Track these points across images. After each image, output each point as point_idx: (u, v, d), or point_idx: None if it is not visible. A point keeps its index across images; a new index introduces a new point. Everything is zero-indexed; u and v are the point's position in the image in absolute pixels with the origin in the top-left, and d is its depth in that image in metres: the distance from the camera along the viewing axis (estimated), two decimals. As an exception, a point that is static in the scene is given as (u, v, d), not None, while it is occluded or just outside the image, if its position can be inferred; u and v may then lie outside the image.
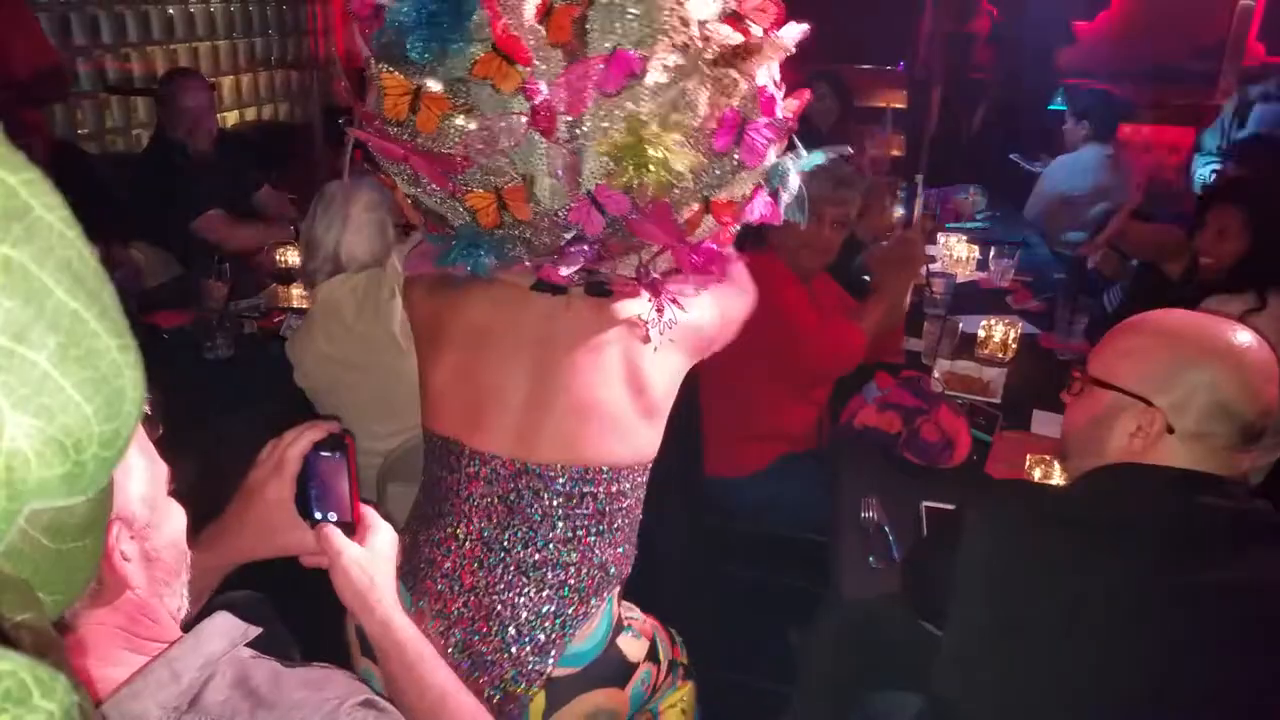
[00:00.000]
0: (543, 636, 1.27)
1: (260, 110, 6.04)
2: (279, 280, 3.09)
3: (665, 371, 1.32)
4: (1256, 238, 2.37)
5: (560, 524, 1.28)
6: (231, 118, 5.69)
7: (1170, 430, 1.16)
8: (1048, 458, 1.98)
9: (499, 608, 1.27)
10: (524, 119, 1.09)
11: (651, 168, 1.09)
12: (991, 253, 3.46)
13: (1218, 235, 2.43)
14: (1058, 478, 1.86)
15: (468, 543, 1.29)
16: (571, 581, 1.29)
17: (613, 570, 1.33)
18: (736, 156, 1.18)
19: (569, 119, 1.09)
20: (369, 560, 1.01)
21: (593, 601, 1.30)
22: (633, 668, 1.36)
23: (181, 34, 5.26)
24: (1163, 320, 1.25)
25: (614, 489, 1.30)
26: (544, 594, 1.28)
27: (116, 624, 0.78)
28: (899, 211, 3.20)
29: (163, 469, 0.86)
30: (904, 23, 6.40)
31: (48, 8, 4.32)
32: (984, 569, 1.18)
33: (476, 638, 1.27)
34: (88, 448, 0.31)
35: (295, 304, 2.91)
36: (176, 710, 0.75)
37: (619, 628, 1.36)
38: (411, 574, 1.32)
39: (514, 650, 1.27)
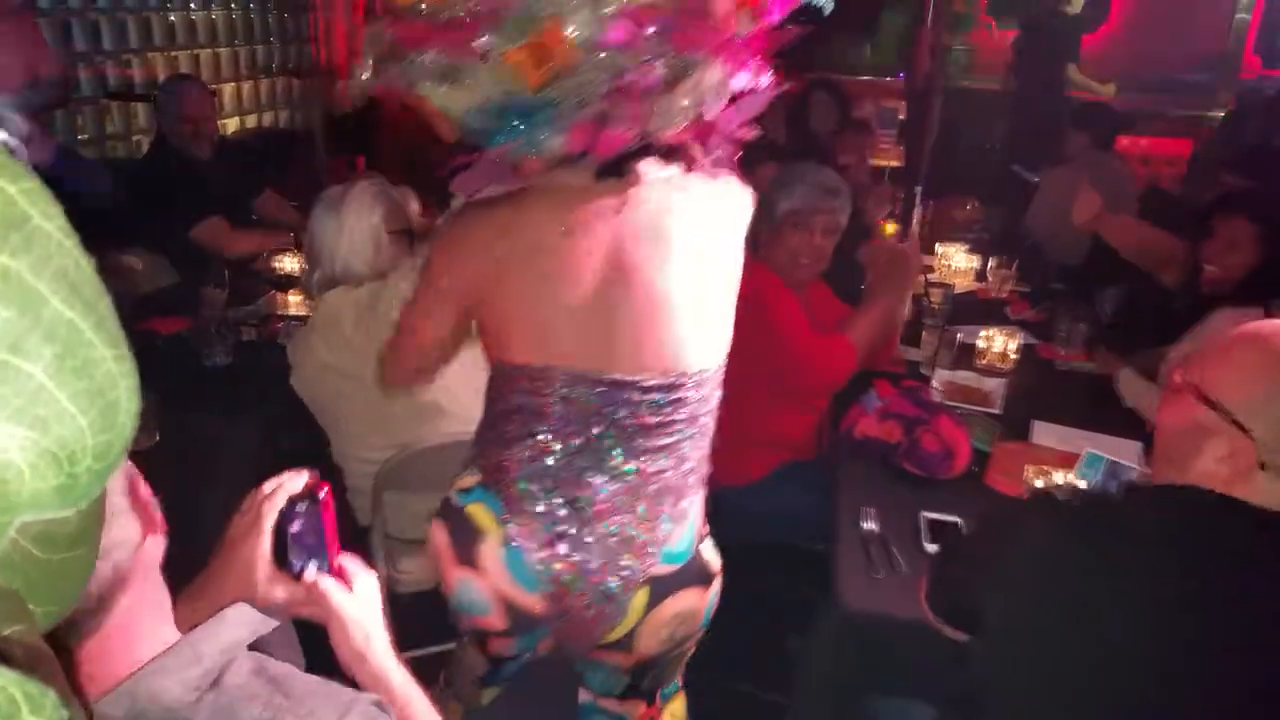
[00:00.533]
0: (645, 537, 1.33)
1: (261, 117, 6.04)
2: (278, 287, 3.09)
3: (735, 252, 1.36)
4: (1267, 250, 2.36)
5: (657, 431, 1.31)
6: (232, 124, 5.69)
7: (1263, 466, 1.04)
8: (1047, 469, 1.98)
9: (602, 517, 1.31)
10: None
11: None
12: (990, 263, 3.46)
13: (1227, 246, 2.43)
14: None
15: (564, 457, 1.31)
16: (670, 484, 1.34)
17: (700, 471, 1.39)
18: None
19: None
20: (363, 613, 1.01)
21: (684, 503, 1.37)
22: (713, 575, 1.45)
23: (183, 40, 5.26)
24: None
25: (703, 392, 1.35)
26: (643, 498, 1.32)
27: (141, 605, 0.80)
28: (890, 226, 3.19)
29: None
30: (905, 33, 6.41)
31: (49, 14, 4.33)
32: (1038, 573, 1.11)
33: (580, 550, 1.31)
34: (82, 460, 0.31)
35: (294, 311, 2.90)
36: (198, 689, 0.78)
37: (701, 535, 1.43)
38: (500, 496, 1.33)
39: (619, 554, 1.32)
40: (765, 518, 2.37)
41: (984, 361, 2.68)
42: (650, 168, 1.28)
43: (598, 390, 1.29)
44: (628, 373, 1.29)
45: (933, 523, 1.84)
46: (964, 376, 2.59)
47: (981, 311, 3.15)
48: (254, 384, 2.50)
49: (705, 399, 1.37)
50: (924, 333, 2.75)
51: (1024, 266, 3.50)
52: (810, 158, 2.99)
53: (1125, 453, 2.13)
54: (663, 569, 1.36)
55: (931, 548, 1.77)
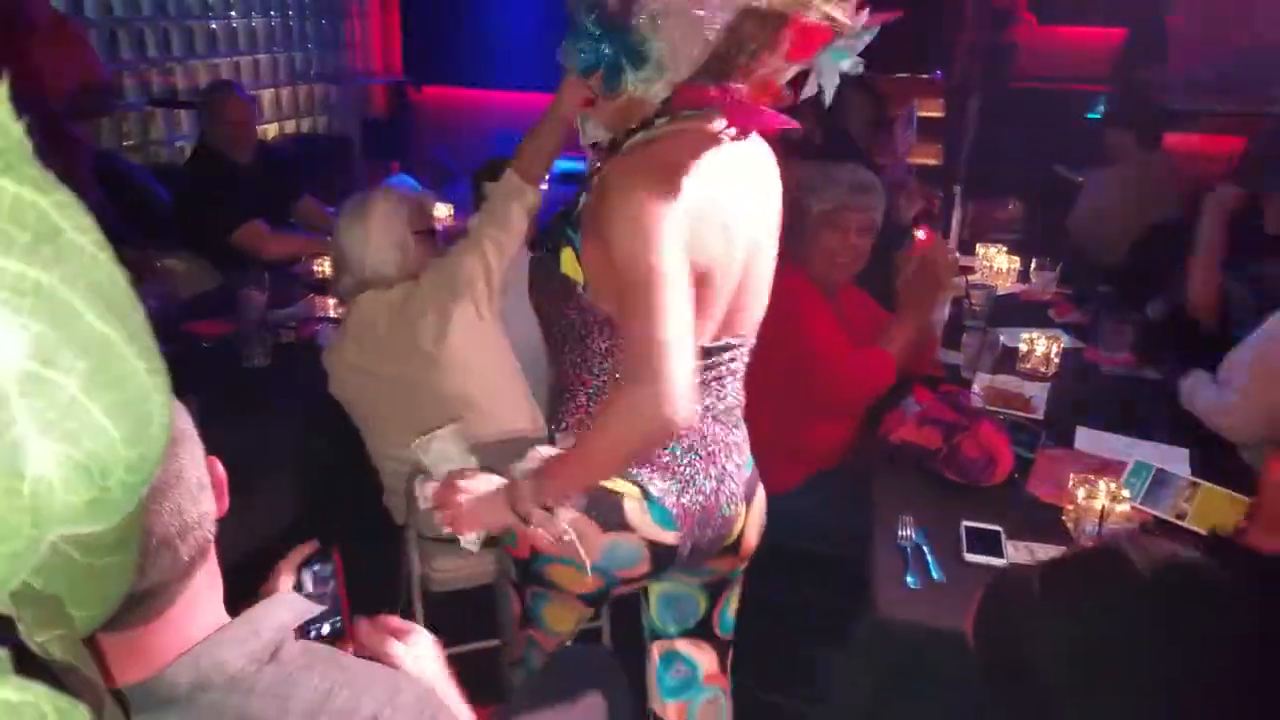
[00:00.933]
0: (739, 460, 1.56)
1: (300, 123, 6.13)
2: (316, 290, 3.12)
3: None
4: None
5: (737, 377, 1.53)
6: (272, 130, 5.77)
7: None
8: (1091, 477, 1.94)
9: (714, 456, 1.50)
10: None
11: None
12: (1033, 264, 3.41)
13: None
14: (1102, 498, 1.81)
15: (712, 430, 1.51)
16: (741, 413, 1.57)
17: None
18: None
19: None
20: (424, 670, 1.02)
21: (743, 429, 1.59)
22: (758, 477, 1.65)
23: (224, 48, 5.35)
24: None
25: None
26: (735, 431, 1.55)
27: (208, 580, 0.85)
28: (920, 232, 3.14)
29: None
30: (942, 31, 6.34)
31: (97, 24, 4.42)
32: (1107, 644, 1.00)
33: (704, 487, 1.48)
34: (114, 473, 0.31)
35: (332, 313, 2.93)
36: (257, 661, 0.83)
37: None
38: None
39: (729, 481, 1.52)
40: (795, 526, 2.34)
41: (1027, 365, 2.63)
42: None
43: (723, 353, 1.46)
44: (737, 334, 1.47)
45: (974, 532, 1.81)
46: (1005, 381, 2.55)
47: (1024, 313, 3.10)
48: (292, 385, 2.53)
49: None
50: (964, 335, 2.70)
51: (1067, 268, 3.44)
52: (845, 157, 2.96)
53: (1173, 460, 2.09)
54: (749, 471, 1.60)
55: (972, 558, 1.74)
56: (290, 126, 6.02)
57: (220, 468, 0.87)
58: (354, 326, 2.19)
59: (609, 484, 1.42)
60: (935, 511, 1.89)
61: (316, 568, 1.09)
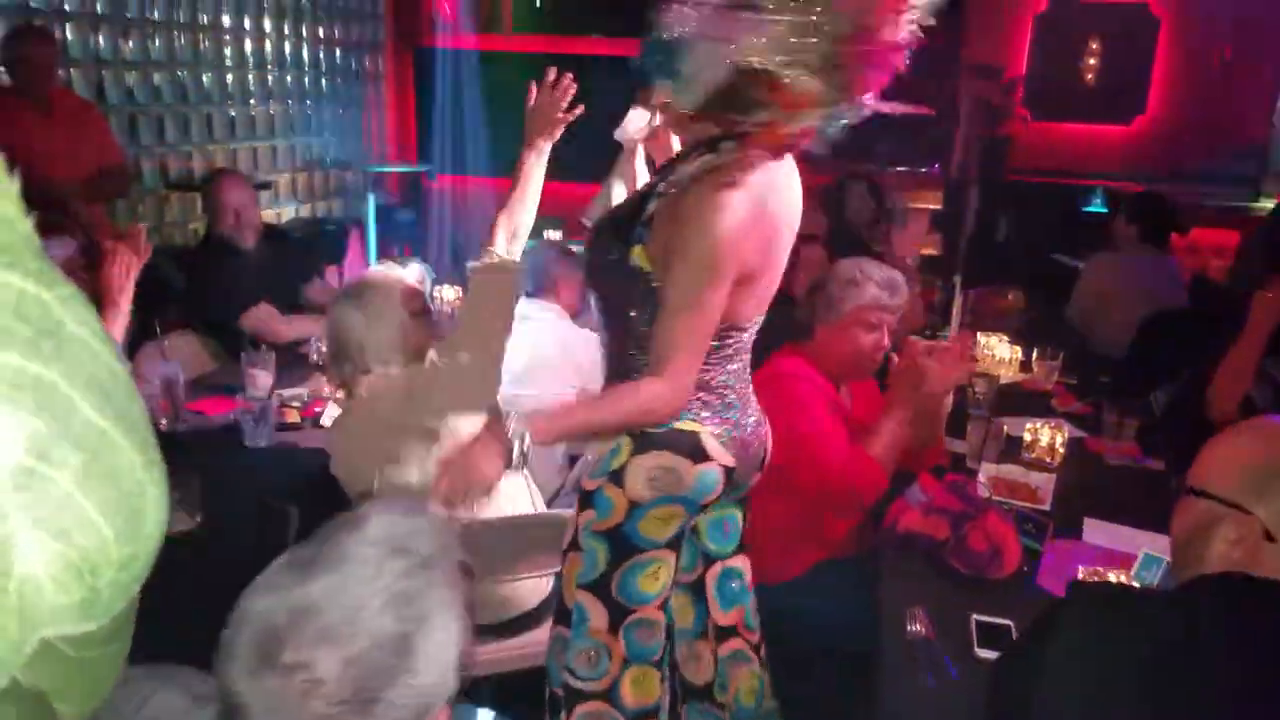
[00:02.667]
0: (754, 399, 1.92)
1: (315, 207, 6.24)
2: (322, 371, 3.13)
3: None
4: None
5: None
6: (286, 213, 5.87)
7: (1270, 539, 1.11)
8: (1101, 570, 1.91)
9: (750, 402, 1.90)
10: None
11: None
12: (1034, 353, 3.42)
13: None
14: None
15: (728, 376, 1.83)
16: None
17: None
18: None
19: None
20: None
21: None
22: None
23: (242, 134, 5.48)
24: (1259, 426, 1.25)
25: None
26: (749, 384, 1.90)
27: None
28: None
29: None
30: (940, 126, 6.48)
31: (117, 109, 4.54)
32: (1072, 685, 1.12)
33: (744, 422, 1.86)
34: (104, 572, 0.30)
35: (339, 395, 2.93)
36: None
37: None
38: (691, 411, 1.77)
39: (754, 415, 1.91)
40: (802, 617, 2.29)
41: (1031, 455, 2.61)
42: None
43: (752, 328, 1.82)
44: (762, 312, 1.81)
45: (984, 626, 1.77)
46: (1011, 470, 2.53)
47: (1026, 403, 3.09)
48: (294, 466, 2.52)
49: None
50: (969, 424, 2.69)
51: (1069, 357, 3.45)
52: (849, 249, 3.00)
53: None
54: (760, 413, 1.94)
55: (983, 653, 1.70)
56: (305, 210, 6.13)
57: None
58: (357, 410, 2.18)
59: (681, 425, 1.75)
60: (944, 604, 1.85)
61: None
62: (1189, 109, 6.59)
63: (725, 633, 2.03)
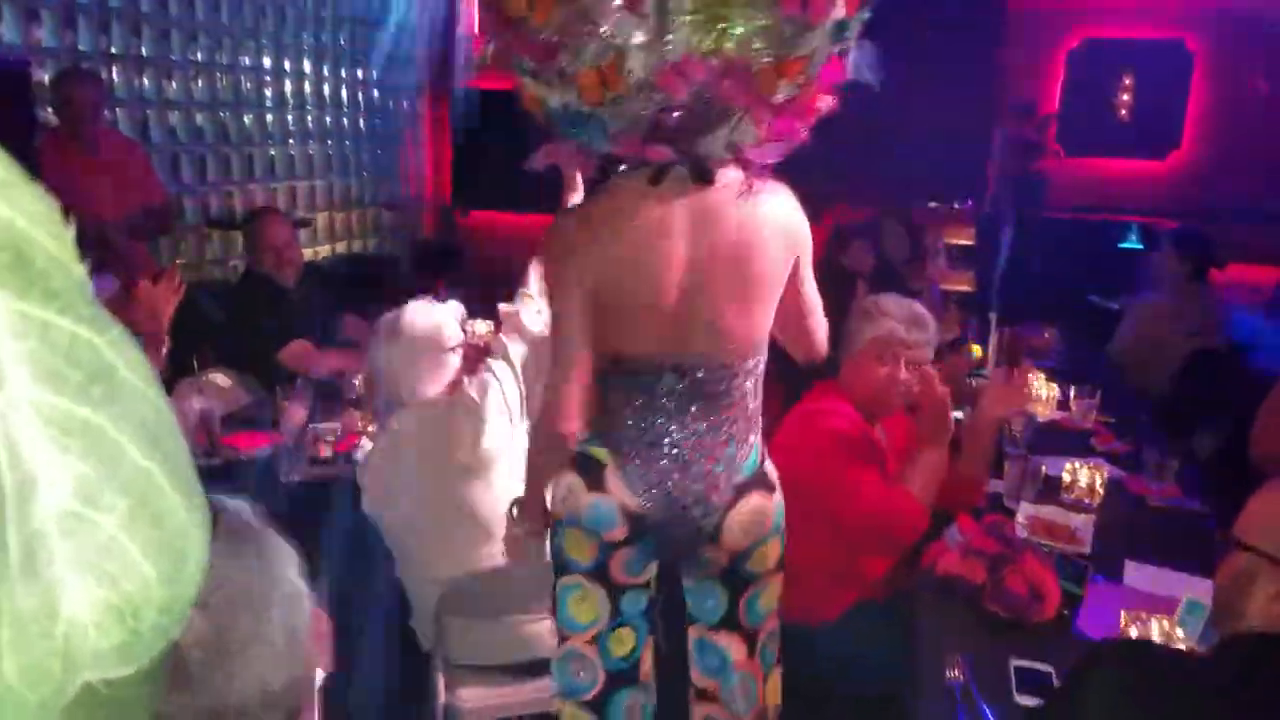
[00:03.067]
0: (714, 470, 1.78)
1: (352, 244, 6.33)
2: (357, 406, 3.16)
3: (777, 254, 1.70)
4: None
5: (709, 396, 1.74)
6: (324, 250, 5.97)
7: None
8: (1144, 615, 1.86)
9: (690, 453, 1.76)
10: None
11: (727, 30, 1.39)
12: (1072, 391, 3.37)
13: None
14: (1156, 638, 1.73)
15: (648, 415, 1.74)
16: (729, 430, 1.79)
17: (754, 416, 1.83)
18: (803, 16, 1.44)
19: None
20: None
21: (747, 434, 1.82)
22: (774, 485, 1.88)
23: (282, 174, 5.59)
24: None
25: (746, 367, 1.75)
26: (706, 435, 1.77)
27: None
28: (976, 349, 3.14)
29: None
30: (973, 162, 6.47)
31: (160, 148, 4.65)
32: None
33: (671, 476, 1.76)
34: (146, 615, 0.30)
35: (369, 427, 2.95)
36: None
37: (763, 456, 1.87)
38: (611, 444, 1.75)
39: (701, 479, 1.78)
40: (837, 660, 2.26)
41: (1070, 495, 2.56)
42: (718, 176, 1.62)
43: (670, 368, 1.70)
44: (653, 353, 1.69)
45: (1023, 671, 1.73)
46: (1050, 511, 2.48)
47: (1065, 442, 3.04)
48: (326, 501, 2.53)
49: (749, 373, 1.76)
50: (1006, 463, 2.65)
51: (1107, 396, 3.39)
52: (886, 284, 2.99)
53: None
54: (739, 478, 1.80)
55: (1023, 699, 1.66)
56: (341, 247, 6.22)
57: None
58: (389, 444, 2.20)
59: (592, 449, 1.75)
60: (983, 649, 1.81)
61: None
62: (1225, 144, 6.53)
63: (701, 695, 2.00)
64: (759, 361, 1.79)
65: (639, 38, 1.40)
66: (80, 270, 0.28)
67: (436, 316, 2.27)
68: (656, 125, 1.52)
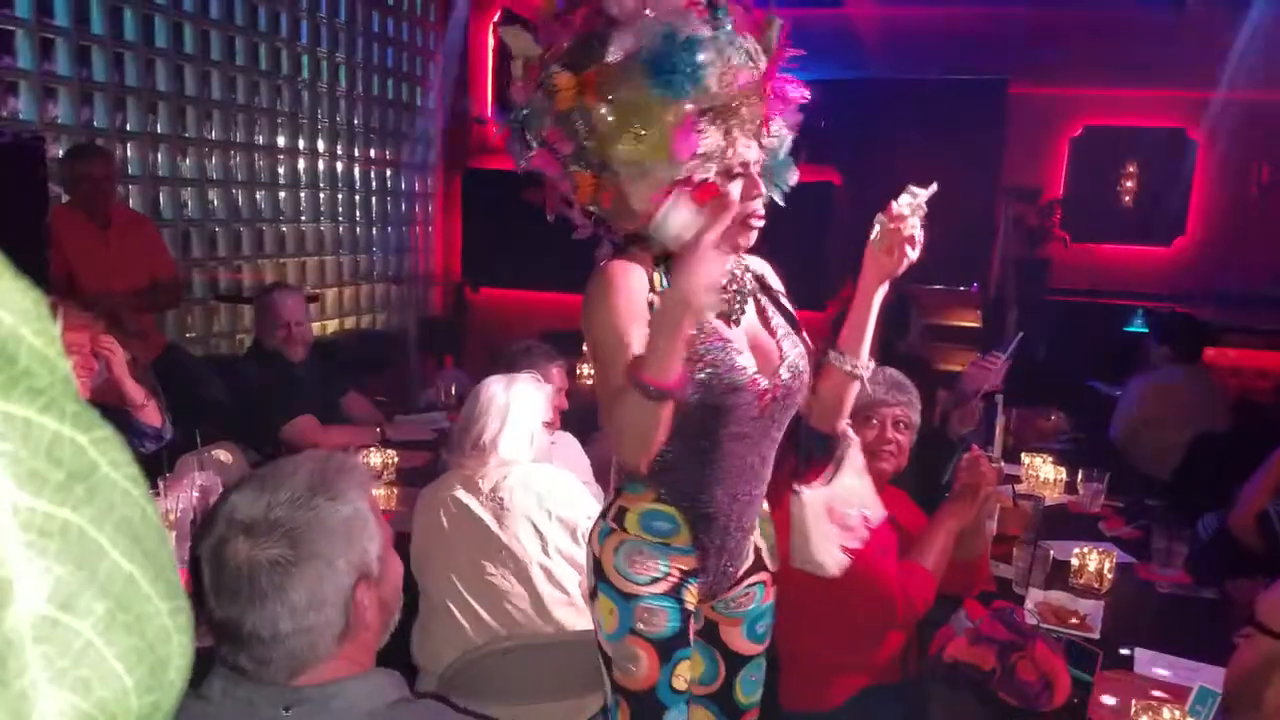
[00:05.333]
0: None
1: (360, 319, 6.36)
2: (358, 483, 3.14)
3: None
4: None
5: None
6: (332, 325, 6.00)
7: None
8: (1155, 704, 1.81)
9: None
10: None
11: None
12: (1079, 475, 3.34)
13: None
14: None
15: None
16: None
17: None
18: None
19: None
20: None
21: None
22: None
23: (291, 249, 5.65)
24: None
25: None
26: None
27: (344, 654, 1.10)
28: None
29: (388, 529, 1.17)
30: (978, 246, 6.54)
31: (172, 224, 4.73)
32: None
33: None
34: None
35: (383, 506, 2.93)
36: (372, 715, 1.08)
37: None
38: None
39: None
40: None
41: (1080, 581, 2.52)
42: None
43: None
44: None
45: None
46: (1059, 597, 2.44)
47: (1073, 526, 3.01)
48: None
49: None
50: (1014, 547, 2.61)
51: (1115, 479, 3.36)
52: (911, 368, 2.99)
53: None
54: None
55: (1033, 793, 1.61)
56: (350, 322, 6.26)
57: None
58: (440, 499, 2.21)
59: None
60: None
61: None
62: (1229, 230, 6.61)
63: None
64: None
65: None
66: (66, 367, 0.28)
67: (545, 392, 2.40)
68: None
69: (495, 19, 7.20)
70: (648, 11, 1.45)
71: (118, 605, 0.28)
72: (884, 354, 3.71)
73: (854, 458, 1.85)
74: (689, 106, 1.45)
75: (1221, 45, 6.02)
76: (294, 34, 5.52)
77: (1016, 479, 3.35)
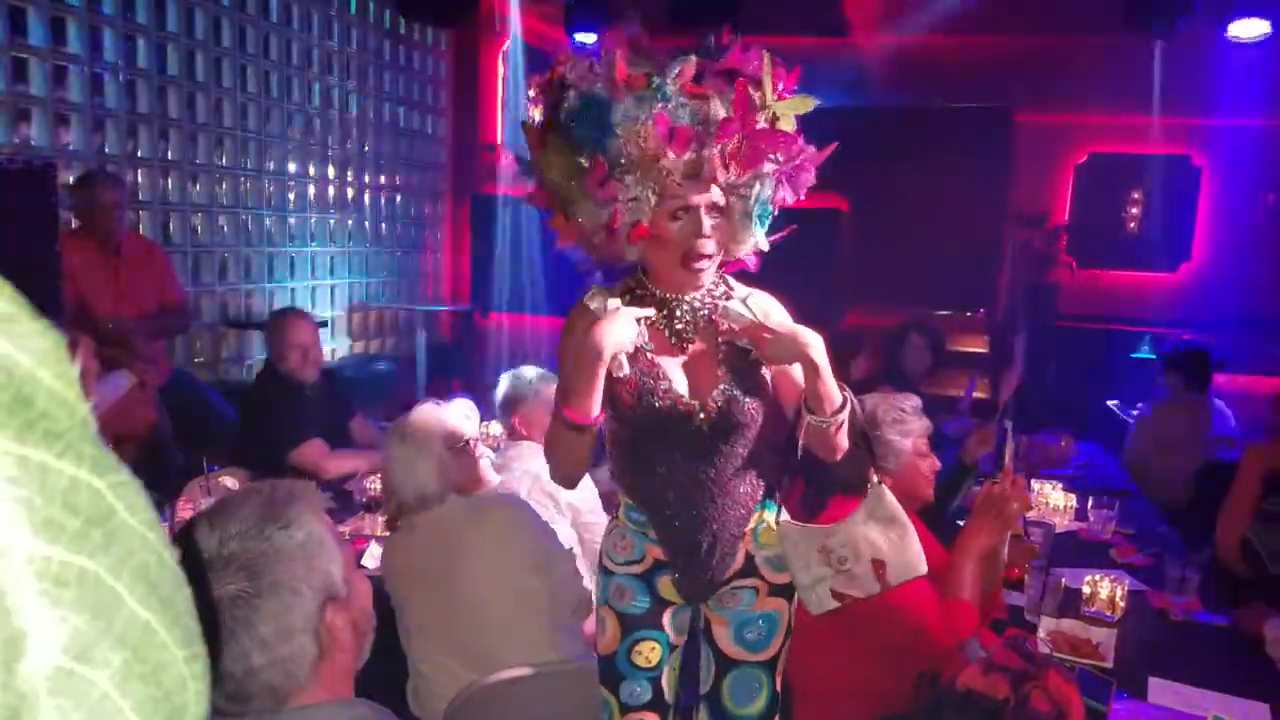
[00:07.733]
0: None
1: (368, 344, 6.39)
2: (368, 508, 3.13)
3: None
4: None
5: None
6: (340, 349, 6.02)
7: None
8: (1172, 738, 1.79)
9: None
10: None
11: None
12: (1090, 502, 3.31)
13: None
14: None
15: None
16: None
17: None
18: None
19: None
20: None
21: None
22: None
23: (300, 274, 5.68)
24: None
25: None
26: None
27: (320, 680, 1.09)
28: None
29: (349, 549, 1.17)
30: (984, 272, 6.54)
31: (181, 249, 4.75)
32: None
33: None
34: None
35: (380, 531, 2.92)
36: None
37: None
38: None
39: None
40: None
41: (1091, 609, 2.50)
42: None
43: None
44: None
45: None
46: (1072, 625, 2.41)
47: (1084, 553, 2.98)
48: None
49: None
50: (1026, 575, 2.59)
51: (1126, 507, 3.34)
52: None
53: (1253, 717, 1.97)
54: None
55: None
56: (359, 346, 6.28)
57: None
58: (400, 545, 2.19)
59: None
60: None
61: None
62: (1235, 255, 6.60)
63: None
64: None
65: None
66: (84, 409, 0.28)
67: (441, 418, 2.28)
68: None
69: (504, 47, 7.27)
70: (594, 75, 1.62)
71: (134, 655, 0.27)
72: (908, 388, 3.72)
73: (877, 508, 1.82)
74: (599, 158, 1.60)
75: (1225, 72, 6.05)
76: (305, 61, 5.57)
77: (1028, 506, 3.32)
